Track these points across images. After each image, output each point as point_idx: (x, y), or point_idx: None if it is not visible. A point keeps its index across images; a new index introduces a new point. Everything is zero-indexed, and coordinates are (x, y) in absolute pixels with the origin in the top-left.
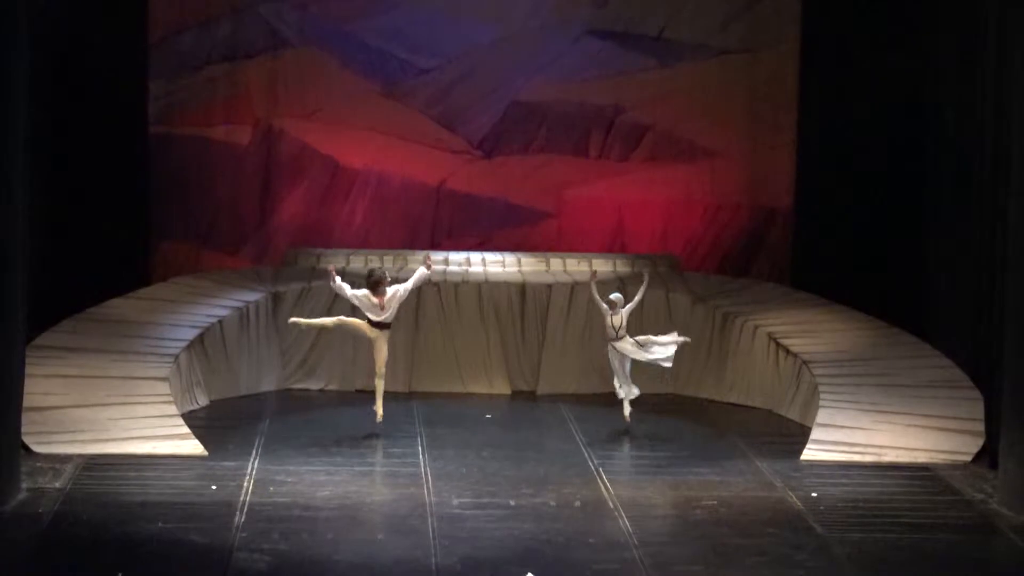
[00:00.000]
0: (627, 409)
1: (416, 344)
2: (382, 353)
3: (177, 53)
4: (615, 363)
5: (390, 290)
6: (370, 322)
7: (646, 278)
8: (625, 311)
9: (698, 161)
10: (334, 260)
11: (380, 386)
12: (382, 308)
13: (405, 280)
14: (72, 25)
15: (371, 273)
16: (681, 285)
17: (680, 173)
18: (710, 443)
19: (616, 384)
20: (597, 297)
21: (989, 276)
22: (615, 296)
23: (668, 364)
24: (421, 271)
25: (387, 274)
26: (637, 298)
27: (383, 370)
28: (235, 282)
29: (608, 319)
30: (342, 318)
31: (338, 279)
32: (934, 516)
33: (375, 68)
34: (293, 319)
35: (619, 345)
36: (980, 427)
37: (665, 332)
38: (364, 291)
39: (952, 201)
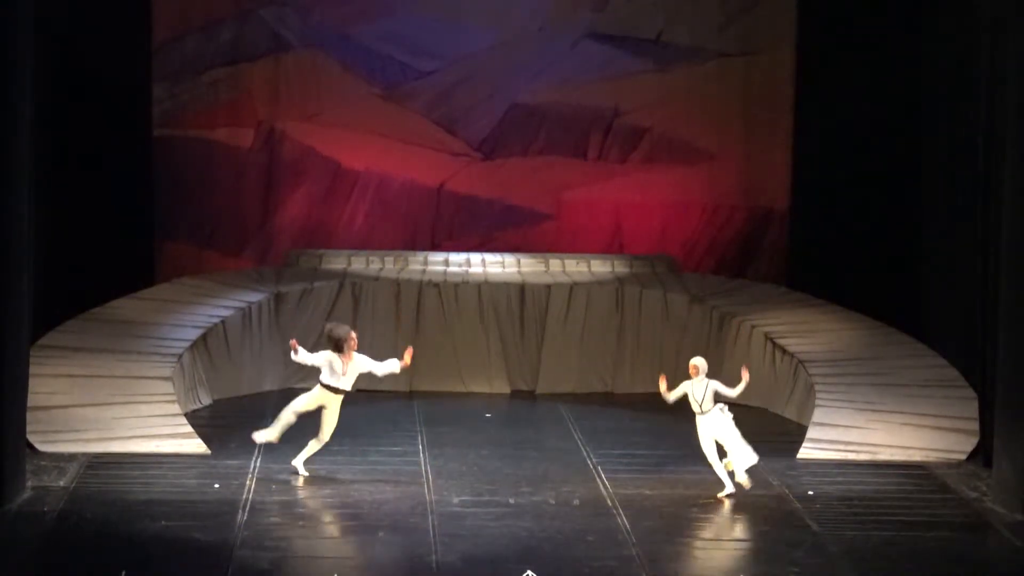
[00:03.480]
0: (742, 476)
1: (416, 344)
2: (332, 420)
3: (180, 57)
4: (704, 441)
5: (357, 357)
6: (324, 386)
7: (745, 379)
8: (711, 386)
9: (696, 163)
10: (335, 261)
11: (314, 447)
12: (343, 373)
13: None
14: (76, 29)
15: (332, 332)
16: (679, 285)
17: (678, 175)
18: None
19: (716, 463)
20: (669, 396)
21: (984, 276)
22: (696, 361)
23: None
24: (392, 363)
25: (352, 334)
26: (731, 392)
27: (327, 437)
28: (237, 283)
29: (690, 390)
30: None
31: (300, 350)
32: (929, 514)
33: (376, 71)
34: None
35: (706, 420)
36: (974, 426)
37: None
38: (329, 354)
39: (947, 202)
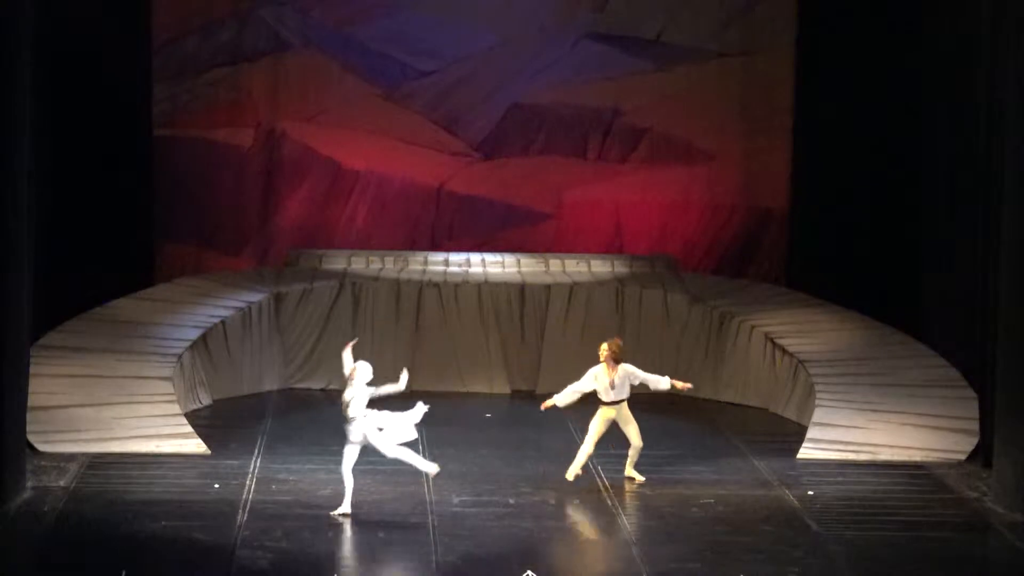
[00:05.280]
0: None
1: (416, 344)
2: (630, 426)
3: (180, 57)
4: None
5: (622, 368)
6: (603, 403)
7: (402, 379)
8: (360, 392)
9: (695, 163)
10: (336, 261)
11: (633, 454)
12: (612, 387)
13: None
14: (77, 29)
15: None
16: (679, 285)
17: (678, 175)
18: (707, 442)
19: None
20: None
21: (983, 276)
22: (346, 359)
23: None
24: (664, 380)
25: (602, 346)
26: (379, 391)
27: (638, 442)
28: (237, 283)
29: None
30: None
31: (558, 399)
32: (928, 514)
33: (376, 71)
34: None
35: (353, 428)
36: (974, 426)
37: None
38: (594, 371)
39: (946, 202)
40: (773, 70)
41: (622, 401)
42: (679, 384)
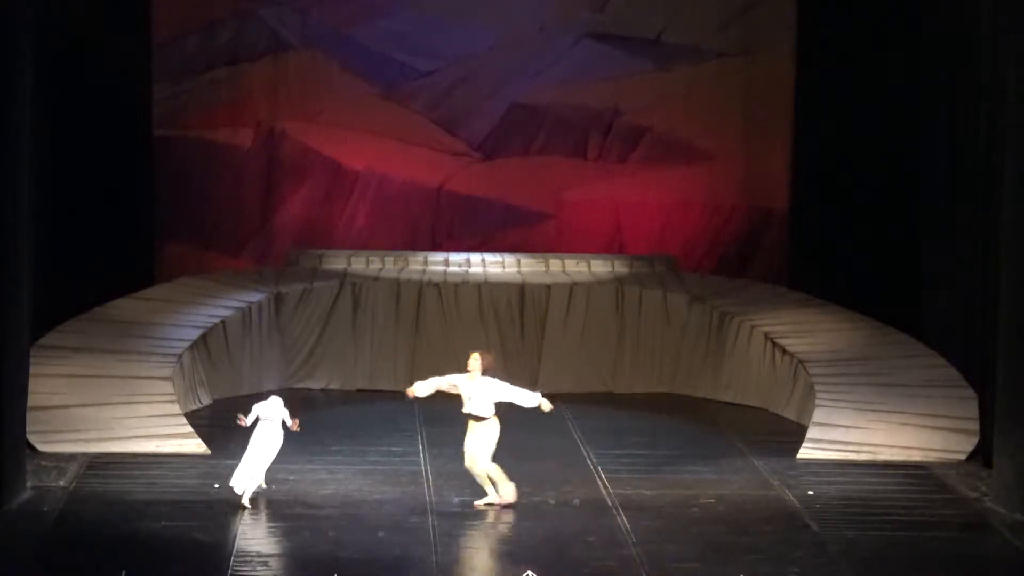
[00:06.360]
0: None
1: (416, 344)
2: (472, 444)
3: (180, 56)
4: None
5: (481, 379)
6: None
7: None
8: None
9: (695, 163)
10: (336, 261)
11: (484, 475)
12: (469, 396)
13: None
14: (76, 29)
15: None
16: (679, 285)
17: (678, 175)
18: (707, 442)
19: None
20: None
21: (984, 276)
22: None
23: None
24: (534, 397)
25: (472, 354)
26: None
27: (467, 462)
28: (238, 283)
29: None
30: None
31: (418, 387)
32: (929, 514)
33: (376, 71)
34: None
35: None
36: (974, 426)
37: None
38: (457, 376)
39: (947, 202)
40: (773, 70)
41: (482, 419)
42: (544, 407)
